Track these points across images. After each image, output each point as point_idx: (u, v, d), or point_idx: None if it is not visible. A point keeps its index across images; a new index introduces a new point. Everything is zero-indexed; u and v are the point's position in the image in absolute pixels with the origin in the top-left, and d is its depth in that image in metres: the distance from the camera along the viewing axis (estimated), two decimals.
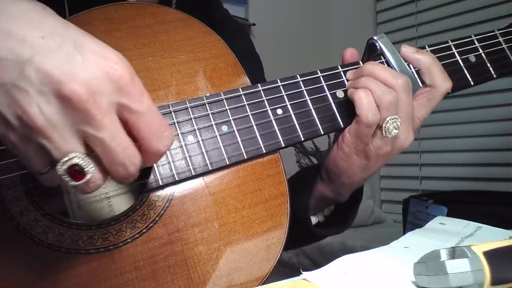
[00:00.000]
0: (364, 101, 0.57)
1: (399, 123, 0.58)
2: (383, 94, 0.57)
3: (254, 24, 2.70)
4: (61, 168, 0.38)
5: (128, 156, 0.40)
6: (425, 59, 0.63)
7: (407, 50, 0.65)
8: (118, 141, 0.39)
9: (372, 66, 0.60)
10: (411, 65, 0.65)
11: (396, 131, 0.58)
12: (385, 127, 0.58)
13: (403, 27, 2.82)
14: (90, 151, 0.39)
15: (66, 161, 0.38)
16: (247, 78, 0.62)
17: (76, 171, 0.39)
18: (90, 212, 0.56)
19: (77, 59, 0.38)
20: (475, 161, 2.46)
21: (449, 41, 0.69)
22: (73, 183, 0.39)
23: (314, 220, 0.72)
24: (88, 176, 0.39)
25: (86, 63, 0.38)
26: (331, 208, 0.74)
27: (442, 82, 0.63)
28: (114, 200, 0.58)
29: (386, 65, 0.65)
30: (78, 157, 0.38)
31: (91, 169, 0.39)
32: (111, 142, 0.39)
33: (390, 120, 0.58)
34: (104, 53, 0.39)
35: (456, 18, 2.57)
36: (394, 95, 0.58)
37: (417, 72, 0.65)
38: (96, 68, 0.38)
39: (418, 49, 0.65)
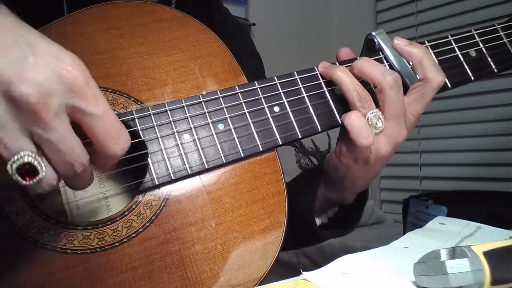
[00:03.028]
0: (356, 125, 0.57)
1: (380, 115, 0.58)
2: (352, 89, 0.58)
3: (254, 24, 2.70)
4: (11, 167, 0.38)
5: (75, 157, 0.40)
6: (417, 52, 0.62)
7: (399, 42, 0.64)
8: (66, 143, 0.40)
9: (362, 62, 0.60)
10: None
11: (381, 124, 0.58)
12: (369, 123, 0.58)
13: (403, 27, 2.82)
14: (42, 151, 0.40)
15: (16, 159, 0.38)
16: (244, 76, 0.61)
17: (28, 171, 0.39)
18: (88, 212, 0.56)
19: (29, 60, 0.38)
20: (475, 161, 2.45)
21: (449, 36, 0.68)
22: (25, 182, 0.39)
23: (318, 221, 0.72)
24: (40, 175, 0.39)
25: (39, 64, 0.38)
26: (335, 210, 0.74)
27: (434, 76, 0.61)
28: (111, 200, 0.57)
29: (384, 61, 0.64)
30: (29, 156, 0.39)
31: (43, 167, 0.39)
32: (59, 143, 0.39)
33: (371, 115, 0.58)
34: (58, 54, 0.39)
35: (456, 18, 2.56)
36: (361, 91, 0.58)
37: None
38: (48, 69, 0.38)
39: (411, 42, 0.64)
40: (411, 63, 0.63)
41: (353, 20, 3.03)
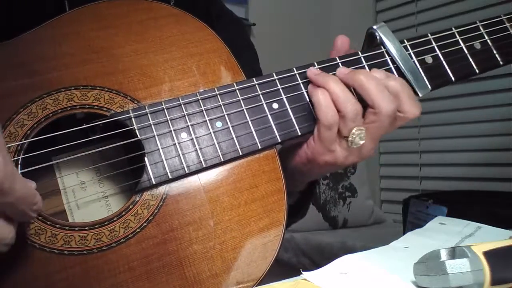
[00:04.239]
0: (322, 103, 0.57)
1: (363, 134, 0.57)
2: (347, 102, 0.57)
3: (254, 24, 2.70)
4: None
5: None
6: (394, 85, 0.59)
7: (377, 75, 0.61)
8: None
9: (366, 81, 0.58)
10: (413, 55, 0.64)
11: (361, 142, 0.58)
12: (351, 138, 0.57)
13: (403, 27, 2.81)
14: None
15: None
16: (242, 73, 0.61)
17: None
18: (88, 211, 0.56)
19: None
20: (475, 161, 2.45)
21: (453, 28, 0.67)
22: None
23: None
24: None
25: None
26: (296, 196, 0.74)
27: (408, 109, 0.60)
28: (111, 199, 0.57)
29: (386, 55, 0.64)
30: None
31: None
32: None
33: (356, 131, 0.57)
34: None
35: (456, 18, 2.56)
36: (358, 106, 0.57)
37: None
38: None
39: (388, 74, 0.61)
40: (415, 58, 0.63)
41: (353, 20, 3.02)
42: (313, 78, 0.60)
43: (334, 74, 0.60)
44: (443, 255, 0.39)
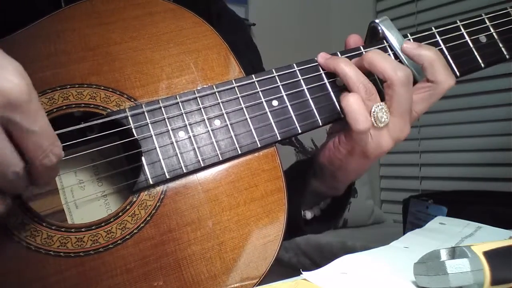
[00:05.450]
0: (352, 109, 0.56)
1: (385, 108, 0.56)
2: (358, 81, 0.56)
3: (254, 24, 2.70)
4: None
5: (8, 169, 0.40)
6: (428, 54, 0.60)
7: (409, 46, 0.62)
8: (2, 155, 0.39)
9: (373, 55, 0.58)
10: None
11: (386, 118, 0.56)
12: (374, 118, 0.56)
13: (403, 27, 2.81)
14: None
15: None
16: (241, 69, 0.60)
17: None
18: (87, 211, 0.55)
19: None
20: (475, 161, 2.45)
21: (458, 21, 0.66)
22: None
23: (309, 215, 0.72)
24: None
25: None
26: (328, 201, 0.73)
27: (444, 79, 0.59)
28: (110, 198, 0.57)
29: (389, 49, 0.63)
30: None
31: None
32: None
33: (377, 108, 0.56)
34: (1, 63, 0.38)
35: (456, 18, 2.54)
36: (369, 84, 0.57)
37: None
38: None
39: (420, 44, 0.62)
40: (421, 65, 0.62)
41: (353, 20, 3.02)
42: (323, 63, 0.60)
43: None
44: (443, 255, 0.39)
